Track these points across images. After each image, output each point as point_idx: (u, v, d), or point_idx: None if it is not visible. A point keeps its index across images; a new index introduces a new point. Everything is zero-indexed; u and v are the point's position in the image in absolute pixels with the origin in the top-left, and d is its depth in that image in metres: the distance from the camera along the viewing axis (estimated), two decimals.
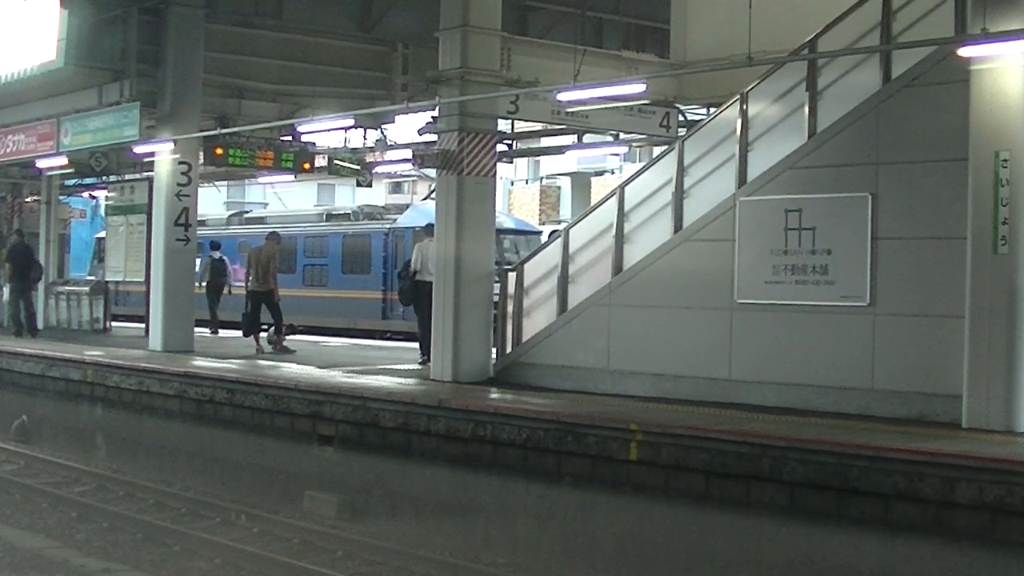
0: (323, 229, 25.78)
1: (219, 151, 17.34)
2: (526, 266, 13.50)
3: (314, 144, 18.20)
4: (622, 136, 17.31)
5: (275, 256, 17.35)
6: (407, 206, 26.02)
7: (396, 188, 48.90)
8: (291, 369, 14.93)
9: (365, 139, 19.10)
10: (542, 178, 37.27)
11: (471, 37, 13.22)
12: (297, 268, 25.62)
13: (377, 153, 19.32)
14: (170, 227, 17.03)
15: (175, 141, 16.54)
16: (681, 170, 12.11)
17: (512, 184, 37.38)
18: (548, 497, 10.67)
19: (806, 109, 11.26)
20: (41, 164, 19.56)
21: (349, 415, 12.30)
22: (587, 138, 19.22)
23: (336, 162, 18.18)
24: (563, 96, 12.18)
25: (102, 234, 29.83)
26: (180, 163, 16.97)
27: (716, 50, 14.43)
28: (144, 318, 23.42)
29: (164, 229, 17.05)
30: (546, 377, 12.96)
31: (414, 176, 43.62)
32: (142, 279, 20.08)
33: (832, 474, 8.82)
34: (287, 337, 17.58)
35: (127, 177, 21.43)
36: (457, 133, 13.18)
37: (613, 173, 33.89)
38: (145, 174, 21.32)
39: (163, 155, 17.09)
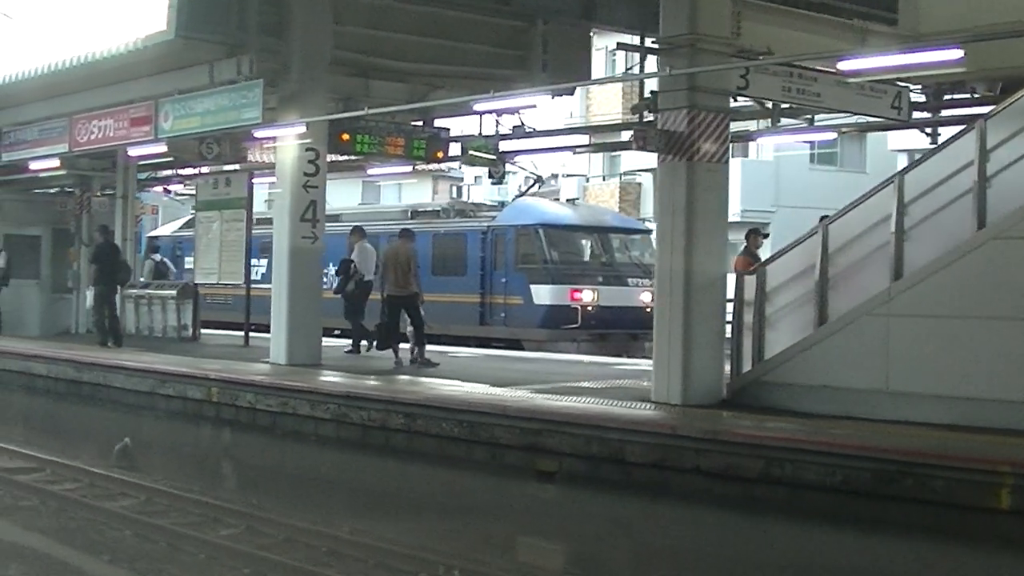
0: (410, 227, 23.64)
1: (345, 137, 15.28)
2: (768, 268, 11.45)
3: (448, 131, 16.12)
4: (820, 119, 15.32)
5: (415, 256, 15.26)
6: (502, 204, 24.02)
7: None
8: (459, 387, 12.86)
9: (498, 125, 17.00)
10: (621, 174, 35.19)
11: None
12: (379, 269, 23.46)
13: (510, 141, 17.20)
14: (295, 223, 14.89)
15: (308, 124, 14.40)
16: (984, 155, 10.08)
17: (588, 180, 35.31)
18: (868, 550, 8.65)
19: None
20: (134, 152, 17.37)
21: (580, 448, 10.21)
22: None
23: (472, 152, 16.11)
24: (846, 65, 10.12)
25: (155, 232, 27.74)
26: (307, 150, 14.85)
27: (953, 21, 12.45)
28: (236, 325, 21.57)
29: (289, 225, 14.89)
30: (799, 399, 10.90)
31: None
32: (240, 282, 18.08)
33: None
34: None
35: (222, 169, 19.21)
36: (686, 111, 11.12)
37: None
38: (227, 167, 19.23)
39: (287, 141, 14.96)
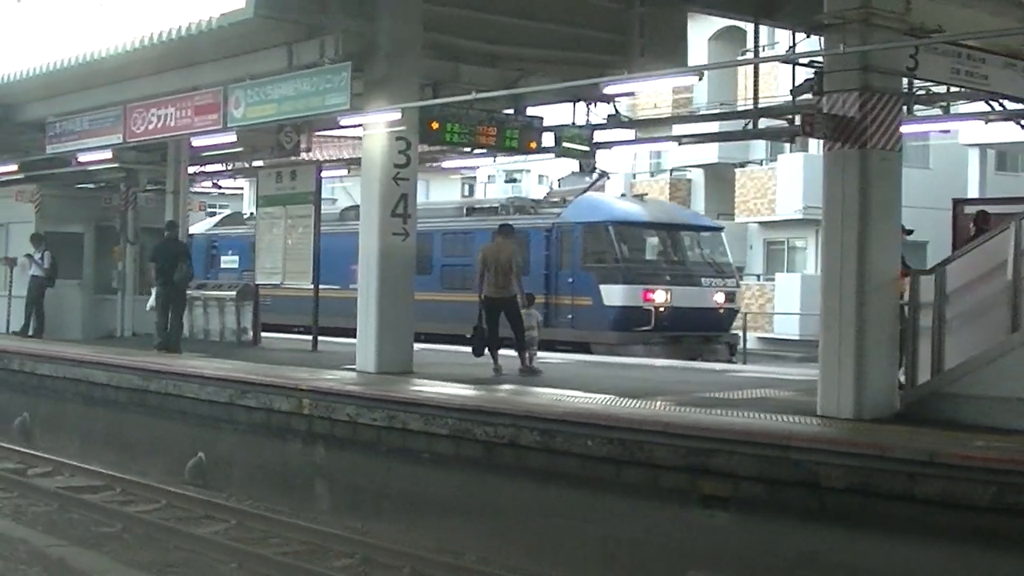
0: (466, 224, 22.49)
1: (435, 125, 14.08)
2: (948, 268, 10.33)
3: (541, 119, 14.93)
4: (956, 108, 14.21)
5: (516, 255, 14.08)
6: (565, 200, 22.80)
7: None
8: (585, 399, 11.68)
9: (589, 114, 15.84)
10: (671, 170, 34.00)
11: None
12: (434, 269, 22.34)
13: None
14: (386, 218, 13.68)
15: (402, 111, 13.22)
16: None
17: (634, 177, 34.14)
18: None
19: None
20: (198, 142, 16.13)
21: (761, 470, 9.05)
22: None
23: (565, 143, 14.94)
24: None
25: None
26: (398, 139, 13.66)
27: None
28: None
29: (378, 221, 13.67)
30: (990, 413, 9.74)
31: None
32: (308, 283, 16.90)
33: None
34: None
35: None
36: (858, 94, 9.99)
37: (761, 164, 30.76)
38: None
39: (376, 129, 13.77)
